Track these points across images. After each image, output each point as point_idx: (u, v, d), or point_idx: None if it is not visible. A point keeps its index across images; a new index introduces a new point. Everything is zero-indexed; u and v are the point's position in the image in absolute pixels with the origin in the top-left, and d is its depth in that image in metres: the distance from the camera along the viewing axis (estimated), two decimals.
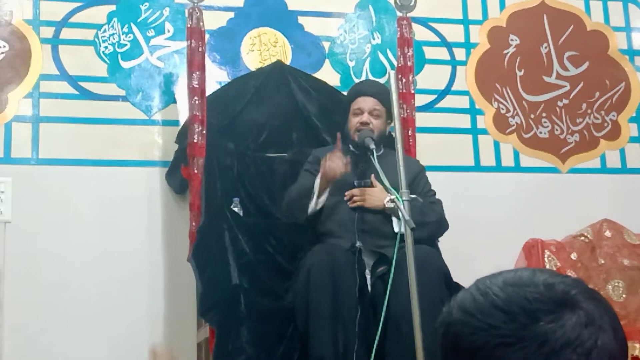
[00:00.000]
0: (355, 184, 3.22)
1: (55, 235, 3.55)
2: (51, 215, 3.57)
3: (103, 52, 3.80)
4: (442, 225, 3.30)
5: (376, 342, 2.77)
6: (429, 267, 2.90)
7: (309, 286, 2.88)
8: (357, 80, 3.98)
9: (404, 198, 2.74)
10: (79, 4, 3.82)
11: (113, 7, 3.86)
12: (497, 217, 4.03)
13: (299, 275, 2.98)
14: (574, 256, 3.91)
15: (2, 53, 3.68)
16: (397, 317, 2.84)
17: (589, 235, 3.97)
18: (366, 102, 3.32)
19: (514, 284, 0.91)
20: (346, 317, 2.85)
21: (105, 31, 3.83)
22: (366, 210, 3.17)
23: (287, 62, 3.94)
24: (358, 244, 3.10)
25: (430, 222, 3.20)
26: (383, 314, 2.79)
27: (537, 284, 0.90)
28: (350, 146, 3.32)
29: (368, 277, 3.08)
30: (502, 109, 4.25)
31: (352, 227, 3.14)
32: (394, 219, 3.08)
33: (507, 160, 4.21)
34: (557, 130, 4.31)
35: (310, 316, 2.85)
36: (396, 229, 3.03)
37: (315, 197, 3.16)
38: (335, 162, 3.08)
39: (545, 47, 4.39)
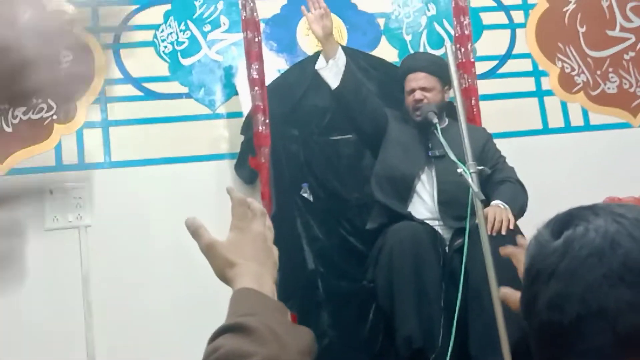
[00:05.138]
0: (429, 154, 3.22)
1: (135, 234, 3.64)
2: (128, 215, 3.65)
3: (163, 51, 3.87)
4: (527, 196, 3.29)
5: (456, 315, 2.77)
6: (503, 237, 2.87)
7: (393, 266, 2.88)
8: None
9: (471, 170, 2.72)
10: (135, 7, 3.89)
11: (168, 6, 3.91)
12: (571, 179, 3.96)
13: (380, 255, 2.98)
14: None
15: (67, 62, 3.76)
16: (477, 288, 2.83)
17: None
18: (416, 79, 3.32)
19: None
20: (431, 294, 2.86)
21: (163, 31, 3.89)
22: (444, 181, 3.16)
23: (344, 43, 3.93)
24: (438, 220, 3.10)
25: (525, 202, 3.19)
26: (461, 287, 2.78)
27: None
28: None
29: (447, 248, 3.08)
30: (567, 68, 4.16)
31: (432, 200, 3.14)
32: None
33: (576, 120, 4.12)
34: (625, 84, 4.20)
35: (395, 296, 2.86)
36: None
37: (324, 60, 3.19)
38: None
39: (606, 0, 4.27)
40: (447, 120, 3.37)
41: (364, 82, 3.31)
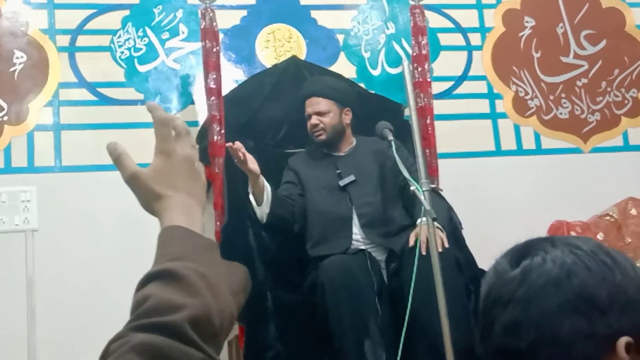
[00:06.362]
0: (340, 184, 3.24)
1: (82, 240, 3.59)
2: (77, 221, 3.61)
3: (119, 57, 3.83)
4: (447, 203, 3.36)
5: (402, 338, 2.75)
6: (440, 254, 2.87)
7: (326, 304, 2.87)
8: (372, 72, 3.99)
9: (424, 188, 2.74)
10: (93, 11, 3.85)
11: (127, 12, 3.88)
12: (520, 201, 4.01)
13: (315, 293, 2.96)
14: (600, 236, 3.89)
15: (21, 64, 3.72)
16: (413, 309, 2.82)
17: (614, 215, 3.95)
18: (310, 104, 3.38)
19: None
20: (369, 323, 2.85)
21: (120, 36, 3.85)
22: (360, 205, 3.18)
23: (302, 57, 3.94)
24: (366, 246, 3.11)
25: (447, 210, 3.23)
26: (408, 311, 2.77)
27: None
28: (324, 149, 3.37)
29: (384, 272, 3.09)
30: (521, 92, 4.23)
31: (350, 225, 3.16)
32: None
33: (528, 143, 4.19)
34: (577, 110, 4.28)
35: (335, 331, 2.85)
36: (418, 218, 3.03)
37: (252, 197, 3.12)
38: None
39: (561, 27, 4.36)
40: (354, 140, 3.41)
41: (280, 193, 3.26)
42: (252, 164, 2.98)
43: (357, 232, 3.17)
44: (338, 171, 3.28)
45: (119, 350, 0.81)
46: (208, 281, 0.88)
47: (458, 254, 3.11)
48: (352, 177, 3.24)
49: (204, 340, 0.83)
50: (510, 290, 0.92)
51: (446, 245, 2.90)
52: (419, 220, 3.03)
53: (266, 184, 3.09)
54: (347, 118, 3.40)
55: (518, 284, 0.92)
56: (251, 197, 3.10)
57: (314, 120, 3.34)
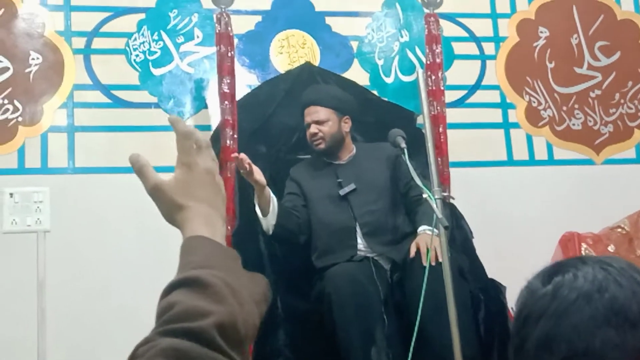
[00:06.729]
0: (340, 193, 3.24)
1: (94, 242, 3.60)
2: (90, 223, 3.61)
3: (134, 60, 3.85)
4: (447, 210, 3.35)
5: (411, 349, 2.75)
6: (439, 265, 2.87)
7: (334, 313, 2.88)
8: (386, 79, 3.99)
9: (436, 196, 2.74)
10: (109, 14, 3.87)
11: (142, 15, 3.90)
12: (532, 212, 4.00)
13: (321, 302, 2.97)
14: (611, 248, 3.87)
15: (36, 65, 3.74)
16: (420, 320, 2.82)
17: (626, 227, 3.93)
18: (309, 113, 3.38)
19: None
20: (375, 331, 2.85)
21: (135, 39, 3.87)
22: (361, 214, 3.17)
23: (316, 63, 3.95)
24: (370, 254, 3.10)
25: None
26: (417, 323, 2.76)
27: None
28: (324, 158, 3.37)
29: (390, 280, 3.09)
30: (534, 102, 4.22)
31: (354, 234, 3.15)
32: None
33: (541, 153, 4.17)
34: (590, 121, 4.27)
35: (341, 340, 2.86)
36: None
37: (258, 208, 3.11)
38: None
39: (576, 38, 4.35)
40: (354, 148, 3.40)
41: (287, 206, 3.26)
42: (258, 175, 2.98)
43: (360, 242, 3.17)
44: (339, 180, 3.28)
45: (147, 354, 0.81)
46: (233, 290, 0.89)
47: (462, 263, 3.10)
48: (352, 186, 3.23)
49: (231, 347, 0.84)
50: (542, 306, 0.94)
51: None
52: (420, 229, 3.04)
53: (272, 195, 3.08)
54: (347, 126, 3.40)
55: (550, 299, 0.94)
56: (257, 208, 3.10)
57: (313, 129, 3.34)
